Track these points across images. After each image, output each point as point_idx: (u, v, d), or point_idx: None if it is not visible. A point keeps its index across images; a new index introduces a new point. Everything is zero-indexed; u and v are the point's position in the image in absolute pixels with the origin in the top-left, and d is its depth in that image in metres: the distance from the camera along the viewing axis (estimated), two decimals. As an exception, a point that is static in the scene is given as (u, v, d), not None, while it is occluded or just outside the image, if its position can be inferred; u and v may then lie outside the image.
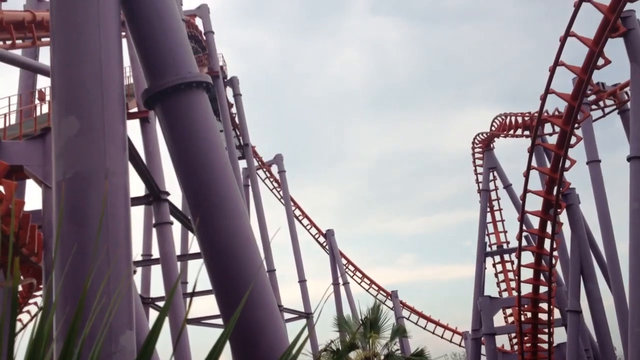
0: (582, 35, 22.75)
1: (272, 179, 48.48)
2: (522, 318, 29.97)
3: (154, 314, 25.50)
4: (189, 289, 29.80)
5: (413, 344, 33.99)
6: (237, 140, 39.69)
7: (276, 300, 11.25)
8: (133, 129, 22.83)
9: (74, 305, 6.36)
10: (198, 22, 38.05)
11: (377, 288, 52.76)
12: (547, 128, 34.69)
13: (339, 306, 44.69)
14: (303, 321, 38.55)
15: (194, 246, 26.59)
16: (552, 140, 30.68)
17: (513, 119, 38.29)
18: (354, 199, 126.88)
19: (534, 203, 27.02)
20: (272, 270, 35.55)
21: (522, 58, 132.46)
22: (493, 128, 40.07)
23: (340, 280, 46.77)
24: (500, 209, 43.67)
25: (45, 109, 20.93)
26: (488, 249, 41.12)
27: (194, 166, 8.83)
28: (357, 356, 17.62)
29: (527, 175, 26.48)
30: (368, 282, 52.94)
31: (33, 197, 18.33)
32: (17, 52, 21.53)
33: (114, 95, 7.46)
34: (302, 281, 42.46)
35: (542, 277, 28.72)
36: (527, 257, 28.86)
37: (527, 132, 37.30)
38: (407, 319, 50.23)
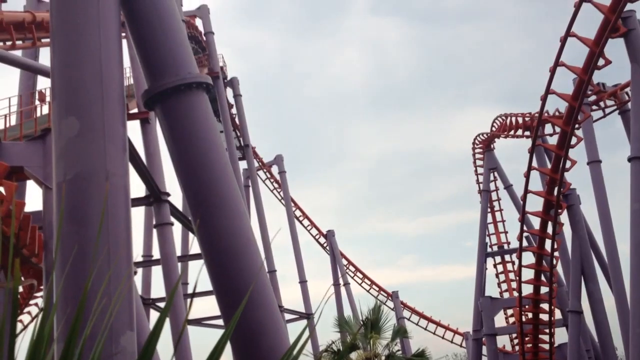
0: (583, 35, 22.76)
1: (272, 180, 48.50)
2: (523, 318, 29.97)
3: (154, 315, 25.51)
4: (190, 290, 29.80)
5: (414, 345, 34.08)
6: (238, 140, 39.71)
7: (277, 300, 11.25)
8: (133, 129, 22.86)
9: (75, 306, 6.35)
10: (198, 22, 38.07)
11: (377, 289, 52.77)
12: (548, 128, 34.72)
13: (340, 307, 44.69)
14: (304, 322, 38.55)
15: (195, 247, 26.62)
16: (553, 140, 30.69)
17: (513, 119, 38.30)
18: (354, 199, 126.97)
19: (535, 203, 27.05)
20: (272, 271, 35.56)
21: (522, 58, 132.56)
22: (493, 128, 40.08)
23: (341, 281, 46.76)
24: (500, 210, 43.68)
25: (45, 109, 20.94)
26: (489, 250, 41.11)
27: (194, 167, 8.83)
28: (358, 357, 17.61)
29: (527, 175, 26.48)
30: (369, 282, 52.97)
31: (33, 198, 18.34)
32: (18, 53, 21.54)
33: (114, 96, 7.46)
34: (303, 282, 42.47)
35: (543, 278, 28.72)
36: (528, 258, 28.90)
37: (527, 133, 37.31)
38: (408, 319, 50.21)
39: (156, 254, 23.76)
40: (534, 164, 27.49)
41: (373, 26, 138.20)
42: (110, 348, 6.39)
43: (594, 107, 31.38)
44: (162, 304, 25.30)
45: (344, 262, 50.76)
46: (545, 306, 28.97)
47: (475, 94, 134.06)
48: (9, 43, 19.67)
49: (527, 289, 29.01)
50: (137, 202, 19.47)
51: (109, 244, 6.74)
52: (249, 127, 39.89)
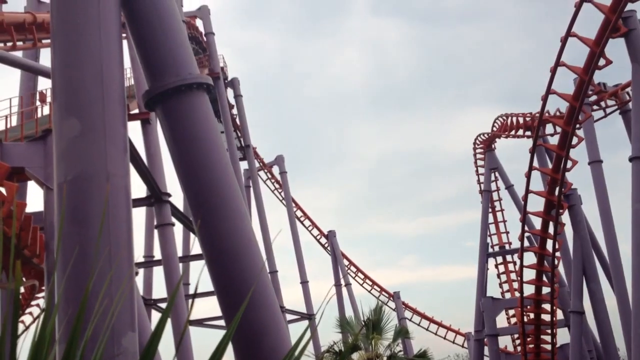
0: (583, 35, 22.74)
1: (273, 180, 48.50)
2: (525, 319, 29.94)
3: (155, 315, 25.52)
4: (191, 291, 29.80)
5: (415, 345, 34.04)
6: (238, 141, 39.72)
7: (278, 301, 11.24)
8: (134, 130, 22.88)
9: (76, 307, 6.34)
10: (198, 23, 38.09)
11: (379, 289, 52.73)
12: (549, 128, 34.71)
13: (341, 307, 44.67)
14: (305, 322, 38.55)
15: (196, 247, 26.60)
16: (554, 140, 30.65)
17: (514, 119, 38.28)
18: (355, 199, 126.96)
19: (536, 204, 27.03)
20: (274, 272, 35.56)
21: (522, 58, 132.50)
22: (494, 128, 40.06)
23: (342, 282, 46.73)
24: (502, 210, 43.65)
25: (46, 110, 20.96)
26: (490, 250, 41.06)
27: (195, 167, 8.82)
28: (359, 357, 17.60)
29: (528, 175, 26.46)
30: (370, 283, 52.92)
31: (34, 198, 18.36)
32: (18, 54, 21.56)
33: (114, 96, 7.46)
34: (304, 282, 42.46)
35: (544, 278, 28.69)
36: (530, 258, 28.86)
37: (528, 133, 37.30)
38: (410, 320, 50.17)
39: (157, 254, 23.76)
40: (535, 164, 27.48)
41: (373, 26, 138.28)
42: (111, 349, 6.39)
43: (595, 107, 31.36)
44: (163, 305, 25.30)
45: (345, 262, 50.73)
46: (546, 306, 28.94)
47: (475, 94, 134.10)
48: (9, 44, 19.69)
49: (529, 290, 29.00)
50: (138, 202, 19.49)
51: (110, 244, 6.74)
52: (250, 128, 39.93)
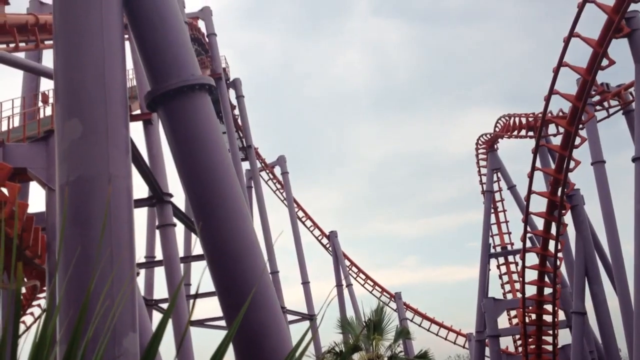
0: (586, 36, 22.70)
1: (275, 181, 48.50)
2: (527, 320, 29.89)
3: (157, 316, 25.54)
4: (192, 291, 29.82)
5: (417, 346, 33.96)
6: (240, 141, 39.73)
7: (279, 302, 11.24)
8: (136, 131, 22.90)
9: (78, 307, 6.36)
10: (200, 24, 38.12)
11: (380, 289, 52.70)
12: (552, 129, 34.62)
13: (343, 308, 44.63)
14: (306, 323, 38.55)
15: (197, 248, 26.58)
16: (557, 141, 30.60)
17: (517, 119, 38.23)
18: (357, 200, 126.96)
19: (539, 204, 26.99)
20: (275, 272, 35.56)
21: (523, 58, 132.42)
22: (497, 129, 40.02)
23: (344, 282, 46.70)
24: (504, 210, 43.61)
25: (48, 111, 20.97)
26: (492, 251, 41.02)
27: (197, 168, 8.83)
28: (360, 358, 17.59)
29: (531, 176, 26.42)
30: (371, 283, 52.88)
31: (36, 199, 18.39)
32: (21, 55, 21.58)
33: (116, 97, 7.46)
34: (306, 283, 42.45)
35: (546, 279, 28.64)
36: (532, 259, 28.82)
37: (531, 133, 37.23)
38: (411, 320, 50.15)
39: (159, 254, 23.76)
40: (538, 164, 27.41)
41: (374, 27, 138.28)
42: (112, 350, 6.39)
43: (598, 107, 31.29)
44: (164, 305, 25.31)
45: (347, 263, 50.71)
46: (548, 307, 28.88)
47: (476, 94, 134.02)
48: (12, 45, 19.70)
49: (531, 290, 28.93)
50: (139, 203, 19.49)
51: (112, 245, 6.75)
52: (251, 128, 39.95)
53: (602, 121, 31.48)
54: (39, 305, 21.13)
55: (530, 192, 26.72)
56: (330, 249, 49.40)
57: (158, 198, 19.40)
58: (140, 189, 20.22)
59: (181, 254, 24.53)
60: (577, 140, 24.41)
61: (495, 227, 42.85)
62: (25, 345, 2.81)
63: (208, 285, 10.19)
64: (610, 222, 26.95)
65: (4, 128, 18.73)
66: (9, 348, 2.66)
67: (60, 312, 6.34)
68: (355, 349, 17.44)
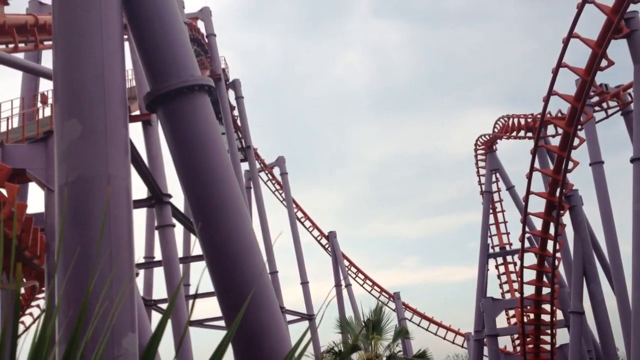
0: (585, 36, 22.73)
1: (274, 181, 48.52)
2: (525, 319, 29.93)
3: (156, 316, 25.54)
4: (192, 291, 29.83)
5: (415, 346, 34.04)
6: (239, 142, 39.75)
7: (278, 302, 11.25)
8: (135, 131, 22.90)
9: (77, 308, 6.37)
10: (200, 25, 38.11)
11: (379, 290, 52.73)
12: (550, 130, 34.67)
13: (342, 308, 44.65)
14: (305, 323, 38.56)
15: (196, 248, 26.61)
16: (555, 141, 30.64)
17: (516, 120, 38.26)
18: (356, 200, 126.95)
19: (537, 205, 27.03)
20: (274, 272, 35.58)
21: (523, 59, 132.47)
22: (496, 130, 40.07)
23: (343, 282, 46.71)
24: (503, 211, 43.66)
25: (47, 112, 20.98)
26: (491, 251, 41.07)
27: (196, 169, 8.84)
28: (359, 358, 17.62)
29: (529, 176, 26.45)
30: (370, 283, 52.93)
31: (35, 200, 18.38)
32: (20, 56, 21.57)
33: (116, 98, 7.47)
34: (305, 283, 42.47)
35: (544, 279, 28.68)
36: (530, 259, 28.86)
37: (529, 134, 37.27)
38: (410, 320, 50.18)
39: (158, 255, 23.77)
40: (536, 165, 27.45)
41: (374, 28, 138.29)
42: (112, 350, 6.40)
43: (597, 108, 31.32)
44: (163, 305, 25.32)
45: (346, 263, 50.74)
46: (546, 307, 28.93)
47: (476, 95, 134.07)
48: (11, 45, 19.70)
49: (529, 290, 28.99)
50: (139, 203, 19.50)
51: (111, 246, 6.76)
52: (251, 129, 39.96)
53: (601, 122, 31.52)
54: (38, 306, 21.13)
55: (528, 192, 26.76)
56: (329, 249, 49.43)
57: (157, 199, 19.41)
58: (139, 189, 20.26)
59: (180, 254, 24.53)
60: (576, 141, 24.44)
61: (494, 228, 42.90)
62: (24, 346, 2.82)
63: (207, 285, 10.20)
64: (608, 222, 26.99)
65: (3, 129, 18.74)
66: (9, 348, 2.67)
67: (59, 312, 6.36)
68: (354, 348, 17.46)
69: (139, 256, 26.11)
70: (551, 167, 27.36)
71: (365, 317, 18.19)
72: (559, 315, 31.22)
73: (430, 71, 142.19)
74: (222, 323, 25.25)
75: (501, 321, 38.35)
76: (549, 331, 29.27)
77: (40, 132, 15.81)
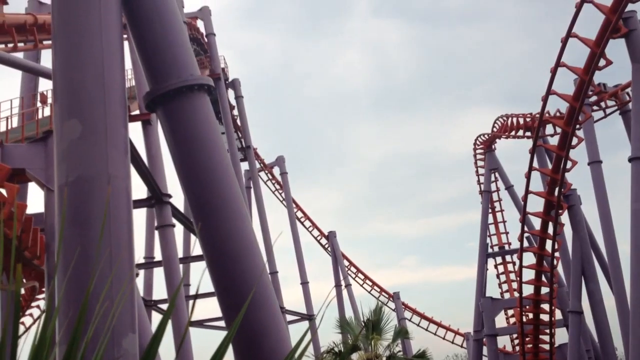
0: (584, 36, 22.76)
1: (274, 181, 48.52)
2: (524, 319, 29.96)
3: (156, 316, 25.54)
4: (192, 292, 29.83)
5: (415, 346, 34.09)
6: (239, 142, 39.75)
7: (278, 302, 11.25)
8: (135, 131, 22.90)
9: (77, 308, 6.38)
10: (199, 24, 38.10)
11: (379, 290, 52.75)
12: (549, 129, 34.72)
13: (341, 308, 44.66)
14: (305, 323, 38.58)
15: (197, 248, 26.61)
16: (554, 141, 30.67)
17: (514, 120, 38.30)
18: (356, 200, 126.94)
19: (536, 204, 27.05)
20: (274, 272, 35.58)
21: (523, 58, 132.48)
22: (494, 129, 40.11)
23: (343, 282, 46.73)
24: (501, 210, 43.69)
25: (47, 111, 20.97)
26: (490, 250, 41.10)
27: (196, 169, 8.85)
28: (359, 358, 17.62)
29: (528, 176, 26.48)
30: (370, 283, 52.94)
31: (35, 200, 18.38)
32: (19, 55, 21.56)
33: (115, 98, 7.47)
34: (305, 283, 42.48)
35: (543, 278, 28.72)
36: (529, 258, 28.89)
37: (528, 133, 37.31)
38: (409, 320, 50.19)
39: (158, 255, 23.78)
40: (535, 164, 27.49)
41: (374, 27, 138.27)
42: (112, 351, 6.40)
43: (595, 107, 31.36)
44: (163, 306, 25.32)
45: (346, 263, 50.75)
46: (545, 306, 28.96)
47: (475, 94, 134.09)
48: (10, 45, 19.68)
49: (528, 290, 29.03)
50: (138, 203, 19.50)
51: (111, 246, 6.76)
52: (250, 128, 39.97)
53: (599, 121, 31.56)
54: (38, 306, 21.12)
55: (527, 192, 26.78)
56: (329, 249, 49.45)
57: (157, 199, 19.41)
58: (139, 189, 20.25)
59: (180, 254, 24.53)
60: (574, 141, 24.47)
61: (493, 227, 42.94)
62: (24, 346, 2.83)
63: (207, 285, 10.21)
64: (606, 221, 27.01)
65: (3, 129, 18.72)
66: (9, 349, 2.68)
67: (59, 312, 6.36)
68: (354, 348, 17.47)
69: (139, 256, 26.14)
70: (550, 166, 27.37)
71: (365, 317, 18.20)
72: (558, 314, 31.26)
73: (430, 70, 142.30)
74: (222, 323, 25.27)
75: (500, 321, 38.41)
76: (547, 331, 29.30)
77: (40, 132, 15.80)
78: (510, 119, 38.63)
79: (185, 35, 9.57)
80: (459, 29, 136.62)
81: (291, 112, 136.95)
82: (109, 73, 7.49)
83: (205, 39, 37.74)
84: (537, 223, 28.53)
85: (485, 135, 41.06)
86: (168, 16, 9.03)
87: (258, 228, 36.08)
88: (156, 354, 2.89)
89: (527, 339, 30.26)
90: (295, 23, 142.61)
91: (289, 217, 44.63)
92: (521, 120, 37.89)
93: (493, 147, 41.34)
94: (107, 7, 7.74)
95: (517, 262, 29.98)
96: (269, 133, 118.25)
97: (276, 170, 47.60)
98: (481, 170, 42.46)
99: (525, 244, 31.02)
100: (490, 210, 41.84)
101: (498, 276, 44.14)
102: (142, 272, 26.36)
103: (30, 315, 22.12)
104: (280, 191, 47.73)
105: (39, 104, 21.82)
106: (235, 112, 39.87)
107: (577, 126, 25.02)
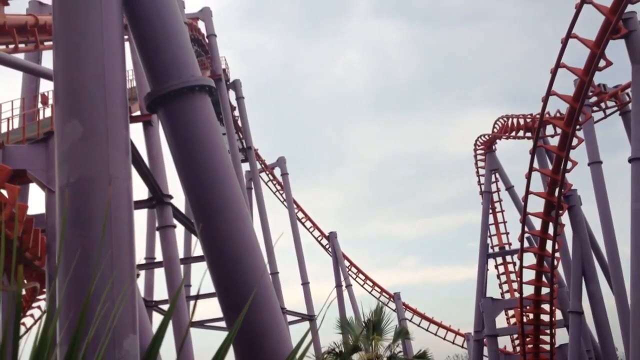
0: (584, 36, 22.77)
1: (274, 182, 48.53)
2: (524, 319, 29.97)
3: (156, 317, 25.56)
4: (192, 292, 29.83)
5: (415, 346, 34.07)
6: (240, 143, 39.77)
7: (279, 302, 11.27)
8: (136, 132, 22.91)
9: (78, 309, 6.39)
10: (200, 25, 38.12)
11: (379, 290, 52.74)
12: (549, 130, 34.71)
13: (342, 308, 44.67)
14: (306, 323, 38.59)
15: (197, 249, 26.60)
16: (554, 142, 30.64)
17: (515, 120, 38.31)
18: (356, 200, 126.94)
19: (536, 204, 27.05)
20: (275, 273, 35.59)
21: (523, 58, 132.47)
22: (495, 130, 40.11)
23: (343, 283, 46.74)
24: (502, 211, 43.70)
25: (48, 112, 21.00)
26: (490, 251, 41.10)
27: (197, 169, 8.85)
28: (360, 358, 17.64)
29: (529, 176, 26.49)
30: (371, 284, 52.94)
31: (35, 201, 18.39)
32: (20, 56, 21.58)
33: (116, 98, 7.48)
34: (305, 283, 42.48)
35: (544, 279, 28.72)
36: (529, 259, 28.89)
37: (528, 134, 37.31)
38: (410, 320, 50.19)
39: (159, 256, 23.79)
40: (535, 165, 27.48)
41: (374, 27, 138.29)
42: (113, 351, 6.42)
43: (595, 108, 31.36)
44: (164, 306, 25.33)
45: (346, 263, 50.76)
46: (546, 307, 28.97)
47: (476, 95, 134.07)
48: (11, 46, 19.69)
49: (528, 290, 29.03)
50: (139, 204, 19.50)
51: (112, 247, 6.77)
52: (251, 129, 39.99)
53: (599, 122, 31.56)
54: (38, 307, 21.14)
55: (528, 192, 26.79)
56: (329, 249, 49.45)
57: (158, 199, 19.42)
58: (140, 190, 20.26)
59: (181, 255, 24.54)
60: (574, 141, 24.47)
61: (493, 228, 42.94)
62: (25, 347, 2.84)
63: (208, 286, 10.23)
64: (607, 222, 27.01)
65: (4, 130, 18.74)
66: (10, 350, 2.69)
67: (60, 313, 6.37)
68: (354, 349, 17.49)
69: (140, 257, 26.15)
70: (550, 167, 27.38)
71: (366, 318, 18.22)
72: (558, 315, 31.26)
73: (430, 70, 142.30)
74: (222, 324, 25.26)
75: (501, 321, 38.41)
76: (548, 331, 29.30)
77: (41, 133, 15.83)
78: (510, 119, 38.64)
79: (187, 36, 9.58)
80: (459, 29, 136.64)
81: (291, 112, 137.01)
82: (110, 74, 7.50)
83: (206, 40, 37.77)
84: (537, 223, 28.53)
85: (486, 136, 41.07)
86: (169, 17, 9.04)
87: (259, 229, 36.11)
88: (157, 355, 2.90)
89: (527, 339, 30.26)
90: (295, 23, 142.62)
91: (289, 217, 44.65)
92: (521, 121, 37.90)
93: (493, 147, 41.35)
94: (108, 7, 7.75)
95: (518, 262, 29.98)
96: (268, 133, 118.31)
97: (277, 171, 47.62)
98: (482, 171, 42.47)
99: (526, 244, 31.03)
100: (490, 211, 41.84)
101: (498, 276, 44.14)
102: (143, 272, 26.39)
103: (31, 315, 22.13)
104: (281, 192, 47.75)
105: (40, 105, 21.84)
106: (236, 113, 39.89)
107: (577, 127, 25.02)
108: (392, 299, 51.09)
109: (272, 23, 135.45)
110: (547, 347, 29.55)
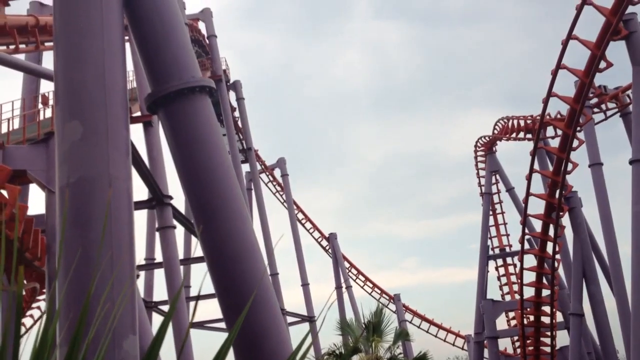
0: (584, 38, 22.77)
1: (274, 183, 48.54)
2: (525, 321, 29.94)
3: (156, 318, 25.54)
4: (192, 293, 29.83)
5: (416, 348, 34.08)
6: (240, 143, 39.78)
7: (279, 303, 11.26)
8: (136, 133, 22.91)
9: (78, 310, 6.38)
10: (201, 26, 38.15)
11: (379, 291, 52.73)
12: (550, 131, 34.68)
13: (342, 310, 44.66)
14: (306, 324, 38.57)
15: (197, 250, 26.58)
16: (555, 143, 30.62)
17: (515, 122, 38.30)
18: (356, 201, 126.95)
19: (536, 206, 27.05)
20: (275, 274, 35.58)
21: (523, 59, 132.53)
22: (495, 131, 40.11)
23: (344, 284, 46.73)
24: (502, 212, 43.71)
25: (48, 113, 21.00)
26: (490, 252, 41.09)
27: (197, 170, 8.85)
28: (359, 360, 17.62)
29: (529, 178, 26.48)
30: (371, 285, 52.93)
31: (36, 201, 18.39)
32: (21, 57, 21.58)
33: (117, 99, 7.48)
34: (305, 284, 42.48)
35: (544, 280, 28.70)
36: (530, 260, 28.87)
37: (529, 135, 37.29)
38: (410, 322, 50.18)
39: (159, 257, 23.79)
40: (536, 166, 27.46)
41: (374, 28, 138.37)
42: (113, 352, 6.40)
43: (596, 109, 31.35)
44: (164, 307, 25.32)
45: (346, 264, 50.74)
46: (546, 309, 28.94)
47: (476, 95, 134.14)
48: (12, 47, 19.69)
49: (529, 292, 29.00)
50: (139, 205, 19.50)
51: (112, 247, 6.76)
52: (251, 129, 40.00)
53: (600, 123, 31.55)
54: (38, 307, 21.13)
55: (528, 194, 26.78)
56: (329, 251, 49.44)
57: (158, 200, 19.42)
58: (140, 191, 20.27)
59: (181, 256, 24.54)
60: (575, 143, 24.47)
61: (493, 229, 42.93)
62: (25, 347, 2.83)
63: (208, 287, 10.21)
64: (607, 224, 27.00)
65: (4, 130, 18.74)
66: (11, 351, 2.68)
67: (60, 314, 6.36)
68: (354, 350, 17.47)
69: (140, 258, 26.13)
70: (551, 168, 27.37)
71: (366, 319, 18.20)
72: (559, 317, 31.24)
73: (430, 71, 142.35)
74: (222, 325, 25.23)
75: (501, 323, 38.38)
76: (549, 333, 29.28)
77: (41, 134, 15.83)
78: (510, 121, 38.64)
79: (187, 37, 9.57)
80: (459, 29, 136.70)
81: (291, 113, 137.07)
82: (111, 74, 7.49)
83: (207, 41, 37.79)
84: (537, 225, 28.52)
85: (486, 137, 41.06)
86: (169, 17, 9.03)
87: (259, 230, 36.11)
88: (157, 356, 2.89)
89: (528, 341, 30.24)
90: (295, 23, 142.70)
91: (289, 218, 44.66)
92: (522, 123, 37.88)
93: (494, 149, 41.35)
94: (109, 8, 7.75)
95: (518, 264, 29.96)
96: (268, 133, 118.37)
97: (277, 172, 47.62)
98: (482, 172, 42.46)
99: (526, 246, 31.00)
100: (491, 212, 41.84)
101: (499, 278, 44.14)
102: (142, 273, 26.38)
103: (31, 316, 22.12)
104: (281, 193, 47.76)
105: (40, 106, 21.85)
106: (237, 113, 39.91)
107: (578, 128, 25.00)
108: (392, 301, 51.06)
109: (272, 23, 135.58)
110: (547, 349, 29.53)
